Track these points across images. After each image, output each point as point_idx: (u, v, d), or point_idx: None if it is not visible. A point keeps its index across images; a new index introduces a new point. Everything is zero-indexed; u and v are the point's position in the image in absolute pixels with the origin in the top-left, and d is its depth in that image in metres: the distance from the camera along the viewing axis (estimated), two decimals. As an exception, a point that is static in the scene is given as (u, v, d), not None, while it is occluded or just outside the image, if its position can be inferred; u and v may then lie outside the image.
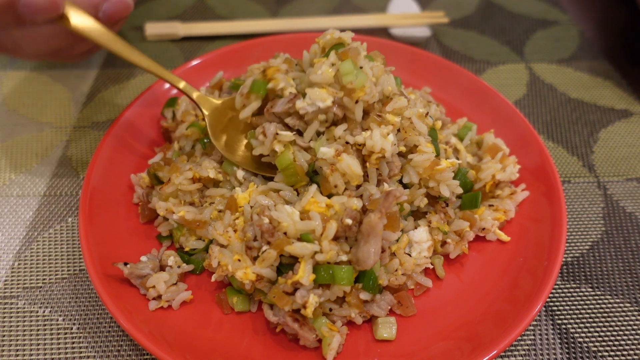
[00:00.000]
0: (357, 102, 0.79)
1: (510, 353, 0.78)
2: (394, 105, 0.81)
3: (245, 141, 0.90)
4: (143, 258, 0.80)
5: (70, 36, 0.87)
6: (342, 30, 0.86)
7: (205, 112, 0.91)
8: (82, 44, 0.92)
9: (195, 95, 0.92)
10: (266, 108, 0.83)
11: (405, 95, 0.85)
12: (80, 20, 0.83)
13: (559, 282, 0.87)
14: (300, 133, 0.83)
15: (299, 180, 0.81)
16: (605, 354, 0.78)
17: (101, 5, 0.85)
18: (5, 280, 0.84)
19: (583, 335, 0.81)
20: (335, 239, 0.74)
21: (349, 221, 0.73)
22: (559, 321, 0.82)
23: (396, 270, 0.80)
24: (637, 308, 0.84)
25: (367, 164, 0.78)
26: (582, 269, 0.90)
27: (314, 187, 0.77)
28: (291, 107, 0.81)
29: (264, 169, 0.87)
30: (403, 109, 0.82)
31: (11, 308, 0.81)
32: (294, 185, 0.81)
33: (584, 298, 0.85)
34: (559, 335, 0.81)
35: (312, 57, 0.88)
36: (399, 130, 0.83)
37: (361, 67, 0.79)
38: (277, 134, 0.80)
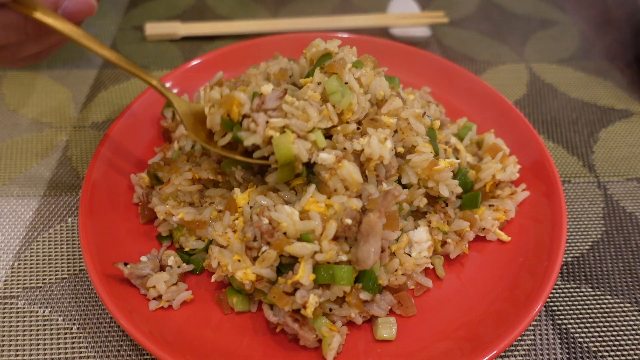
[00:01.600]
0: (347, 122, 0.80)
1: (510, 353, 0.78)
2: (389, 107, 0.81)
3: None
4: (143, 258, 0.80)
5: (22, 30, 0.76)
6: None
7: (179, 109, 0.84)
8: (33, 43, 0.81)
9: (169, 94, 0.85)
10: (254, 106, 0.77)
11: (401, 96, 0.85)
12: (41, 10, 0.73)
13: (559, 282, 0.87)
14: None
15: (293, 176, 0.78)
16: (605, 354, 0.78)
17: (60, 2, 0.77)
18: (5, 280, 0.84)
19: (583, 335, 0.81)
20: (335, 238, 0.74)
21: (348, 221, 0.73)
22: (559, 321, 0.82)
23: (396, 270, 0.80)
24: (637, 308, 0.84)
25: (366, 169, 0.78)
26: (582, 269, 0.90)
27: (313, 187, 0.77)
28: (282, 103, 0.77)
29: (246, 155, 0.81)
30: (399, 110, 0.82)
31: (11, 308, 0.81)
32: (288, 181, 0.79)
33: (584, 298, 0.85)
34: (559, 335, 0.81)
35: (301, 69, 0.88)
36: (396, 132, 0.83)
37: (346, 83, 0.78)
38: (267, 122, 0.76)
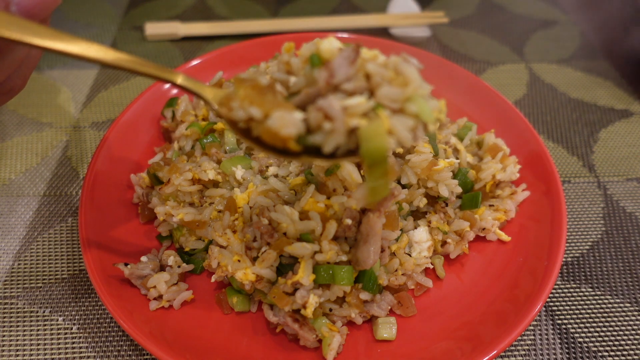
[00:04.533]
0: None
1: (510, 353, 0.78)
2: None
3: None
4: (143, 258, 0.80)
5: None
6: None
7: (215, 106, 0.61)
8: None
9: (199, 89, 0.63)
10: (322, 83, 0.54)
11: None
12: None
13: (559, 282, 0.87)
14: None
15: (388, 185, 0.55)
16: (605, 354, 0.78)
17: None
18: (5, 281, 0.84)
19: (583, 335, 0.81)
20: (335, 238, 0.74)
21: (348, 221, 0.73)
22: (559, 321, 0.82)
23: (396, 270, 0.80)
24: (637, 308, 0.84)
25: (361, 170, 0.78)
26: (582, 269, 0.90)
27: (312, 187, 0.77)
28: (354, 69, 0.54)
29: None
30: None
31: (11, 308, 0.81)
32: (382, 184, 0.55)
33: (584, 298, 0.85)
34: (559, 335, 0.81)
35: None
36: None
37: None
38: (344, 107, 0.52)
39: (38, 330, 0.78)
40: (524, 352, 0.78)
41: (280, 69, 0.62)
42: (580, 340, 0.80)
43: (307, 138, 0.53)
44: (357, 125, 0.51)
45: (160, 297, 0.77)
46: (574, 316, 0.83)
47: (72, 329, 0.79)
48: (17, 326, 0.79)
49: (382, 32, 1.39)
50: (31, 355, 0.76)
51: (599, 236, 0.95)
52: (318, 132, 0.53)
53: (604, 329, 0.81)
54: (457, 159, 0.93)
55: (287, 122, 0.52)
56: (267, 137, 0.54)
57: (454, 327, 0.76)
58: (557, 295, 0.86)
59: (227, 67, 1.12)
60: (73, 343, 0.77)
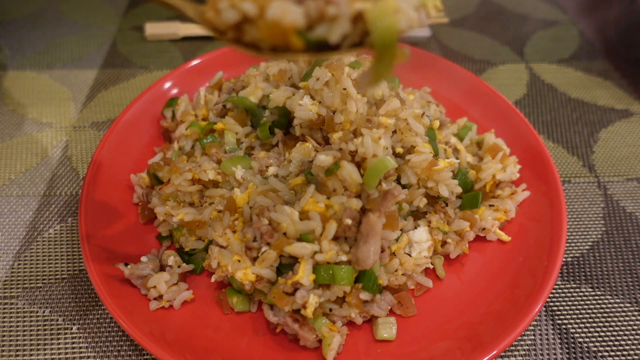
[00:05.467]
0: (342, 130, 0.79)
1: (510, 353, 0.78)
2: (387, 108, 0.81)
3: None
4: (143, 258, 0.80)
5: None
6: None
7: (192, 13, 0.57)
8: None
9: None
10: None
11: (400, 97, 0.85)
12: None
13: (559, 282, 0.87)
14: None
15: (392, 70, 0.54)
16: (605, 354, 0.78)
17: None
18: (5, 281, 0.84)
19: (583, 335, 0.81)
20: (335, 239, 0.74)
21: (348, 221, 0.72)
22: (559, 321, 0.82)
23: (396, 271, 0.80)
24: (637, 308, 0.84)
25: (361, 169, 0.78)
26: (582, 269, 0.90)
27: (312, 187, 0.76)
28: None
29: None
30: (398, 111, 0.82)
31: (11, 308, 0.81)
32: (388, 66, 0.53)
33: (584, 298, 0.85)
34: (559, 335, 0.81)
35: (300, 70, 0.88)
36: (394, 132, 0.83)
37: (345, 89, 0.78)
38: None
39: (38, 330, 0.78)
40: (524, 352, 0.78)
41: None
42: (580, 340, 0.80)
43: (309, 34, 0.50)
44: (363, 8, 0.49)
45: (160, 297, 0.77)
46: (574, 316, 0.83)
47: (72, 329, 0.79)
48: (17, 326, 0.79)
49: (382, 32, 1.39)
50: (31, 355, 0.76)
51: (599, 236, 0.95)
52: (321, 24, 0.50)
53: (604, 329, 0.81)
54: (457, 159, 0.93)
55: (289, 10, 0.49)
56: (267, 34, 0.50)
57: (454, 327, 0.76)
58: (557, 295, 0.86)
59: (227, 67, 1.12)
60: (73, 343, 0.77)
